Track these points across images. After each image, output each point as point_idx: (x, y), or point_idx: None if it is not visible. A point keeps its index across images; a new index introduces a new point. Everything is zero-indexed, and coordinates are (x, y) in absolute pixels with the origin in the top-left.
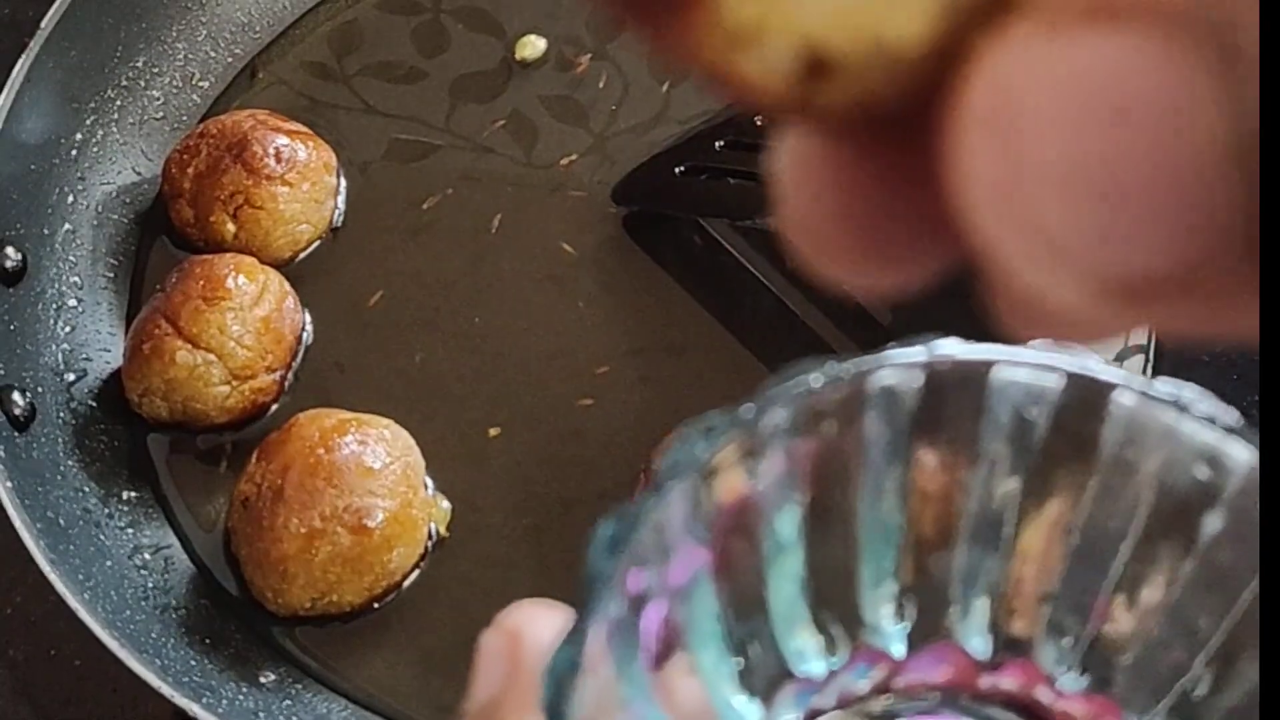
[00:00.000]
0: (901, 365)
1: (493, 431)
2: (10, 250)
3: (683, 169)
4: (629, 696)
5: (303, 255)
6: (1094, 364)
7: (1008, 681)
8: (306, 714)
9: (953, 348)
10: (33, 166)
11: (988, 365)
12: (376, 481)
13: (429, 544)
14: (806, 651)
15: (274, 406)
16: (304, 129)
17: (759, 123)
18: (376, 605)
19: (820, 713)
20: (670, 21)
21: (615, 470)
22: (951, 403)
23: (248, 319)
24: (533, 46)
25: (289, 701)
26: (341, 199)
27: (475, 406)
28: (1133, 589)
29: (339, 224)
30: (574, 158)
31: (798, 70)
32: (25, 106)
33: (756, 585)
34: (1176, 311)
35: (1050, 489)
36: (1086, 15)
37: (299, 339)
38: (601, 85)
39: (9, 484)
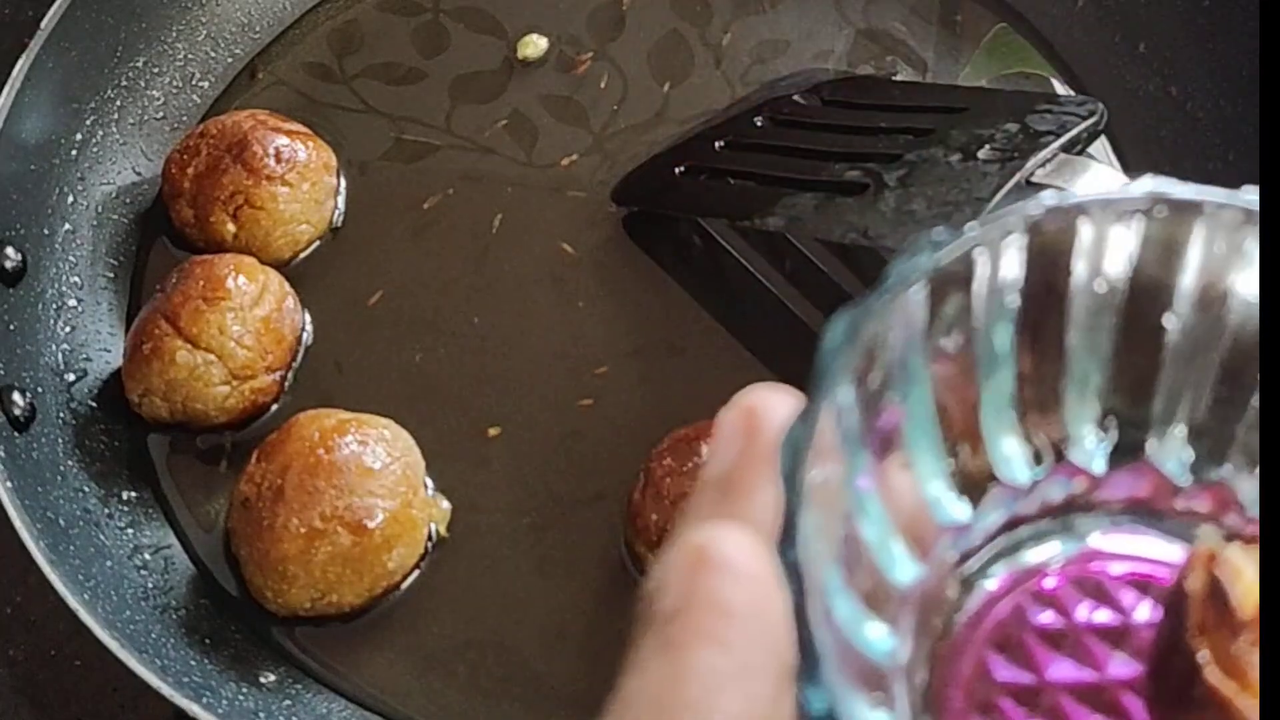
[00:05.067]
0: (1115, 208)
1: (493, 431)
2: (10, 250)
3: (683, 169)
4: (854, 476)
5: (303, 255)
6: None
7: (1201, 504)
8: (306, 714)
9: (1166, 187)
10: (33, 167)
11: (1197, 207)
12: (376, 482)
13: (429, 544)
14: (1013, 459)
15: (274, 406)
16: (304, 129)
17: (759, 123)
18: (376, 605)
19: (1022, 519)
20: None
21: (616, 470)
22: (1156, 247)
23: (247, 319)
24: (533, 46)
25: (289, 702)
26: (341, 199)
27: (475, 406)
28: None
29: (339, 224)
30: (574, 158)
31: None
32: (25, 106)
33: (971, 391)
34: None
35: (1254, 320)
36: None
37: (299, 339)
38: (602, 85)
39: (9, 484)
